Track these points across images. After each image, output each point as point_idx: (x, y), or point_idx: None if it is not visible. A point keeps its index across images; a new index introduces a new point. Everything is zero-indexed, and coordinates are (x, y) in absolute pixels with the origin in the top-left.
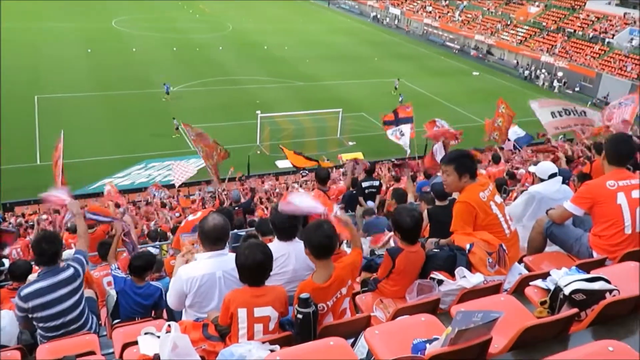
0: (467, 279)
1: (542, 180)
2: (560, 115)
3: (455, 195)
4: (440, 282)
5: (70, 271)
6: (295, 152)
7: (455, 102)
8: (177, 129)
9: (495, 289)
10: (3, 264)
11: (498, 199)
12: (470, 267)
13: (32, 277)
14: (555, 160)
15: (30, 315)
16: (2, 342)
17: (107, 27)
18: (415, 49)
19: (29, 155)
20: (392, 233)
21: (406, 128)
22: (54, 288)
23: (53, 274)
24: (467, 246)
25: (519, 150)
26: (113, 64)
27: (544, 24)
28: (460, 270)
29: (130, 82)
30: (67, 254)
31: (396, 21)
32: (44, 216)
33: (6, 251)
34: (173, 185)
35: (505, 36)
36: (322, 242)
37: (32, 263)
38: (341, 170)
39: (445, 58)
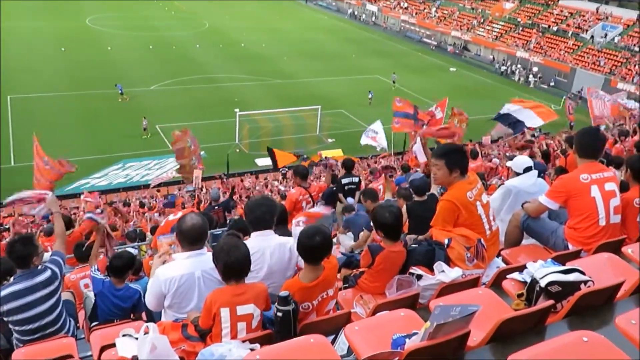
0: (446, 273)
1: (517, 174)
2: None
3: (433, 190)
4: (419, 277)
5: (48, 273)
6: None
7: (433, 98)
8: (146, 129)
9: (474, 283)
10: None
11: (485, 198)
12: (448, 261)
13: None
14: (531, 155)
15: (5, 319)
16: None
17: (81, 25)
18: (393, 45)
19: (4, 156)
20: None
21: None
22: (30, 291)
23: (29, 277)
24: (445, 241)
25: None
26: (88, 62)
27: (519, 19)
28: (438, 265)
29: (106, 81)
30: (46, 256)
31: (373, 18)
32: (21, 217)
33: None
34: (148, 186)
35: (481, 32)
36: (314, 249)
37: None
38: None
39: (423, 54)
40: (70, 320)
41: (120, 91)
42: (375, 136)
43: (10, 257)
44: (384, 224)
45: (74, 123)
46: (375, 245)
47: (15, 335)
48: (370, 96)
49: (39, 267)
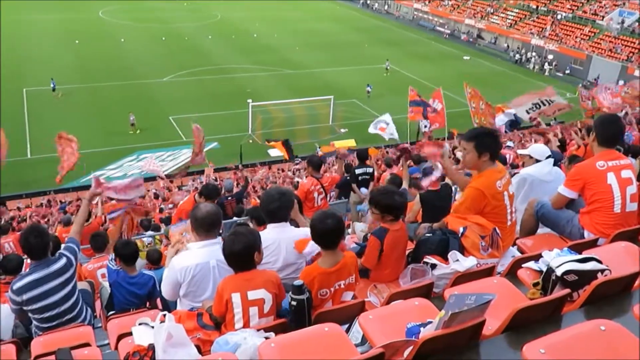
0: (460, 262)
1: (537, 161)
2: (534, 110)
3: (448, 180)
4: (433, 266)
5: (63, 261)
6: (283, 144)
7: (446, 86)
8: (133, 125)
9: (489, 272)
10: None
11: (511, 189)
12: (463, 250)
13: None
14: (546, 143)
15: (24, 308)
16: None
17: (94, 17)
18: (406, 34)
19: (20, 149)
20: None
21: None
22: (46, 280)
23: (45, 266)
24: (460, 230)
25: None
26: (102, 55)
27: (534, 6)
28: (453, 254)
29: (120, 73)
30: None
31: (386, 6)
32: (35, 209)
33: None
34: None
35: (496, 20)
36: (327, 232)
37: (25, 257)
38: (332, 158)
39: (436, 43)
40: (87, 309)
41: (52, 87)
42: (385, 127)
43: (24, 250)
44: (384, 205)
45: (88, 114)
46: (380, 228)
47: (34, 323)
48: (368, 89)
49: (54, 256)
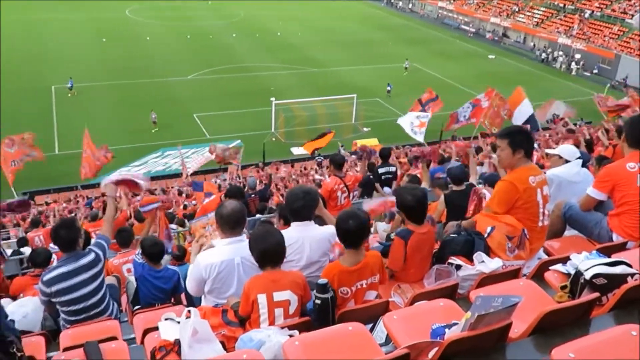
0: (486, 263)
1: (567, 161)
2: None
3: (472, 179)
4: (458, 267)
5: (92, 256)
6: (311, 140)
7: (471, 85)
8: (155, 122)
9: (514, 274)
10: (22, 252)
11: (546, 189)
12: (488, 251)
13: None
14: (575, 144)
15: (53, 300)
16: (27, 328)
17: (121, 16)
18: (430, 32)
19: (48, 145)
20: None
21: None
22: (75, 273)
23: (74, 259)
24: (488, 229)
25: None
26: (127, 53)
27: (561, 5)
28: (478, 255)
29: (145, 71)
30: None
31: (410, 5)
32: (64, 205)
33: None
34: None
35: (522, 18)
36: (349, 232)
37: (53, 251)
38: (354, 156)
39: (460, 41)
40: (113, 303)
41: (70, 86)
42: (424, 122)
43: (55, 242)
44: (407, 206)
45: (114, 112)
46: (404, 230)
47: (62, 316)
48: (388, 88)
49: (84, 250)
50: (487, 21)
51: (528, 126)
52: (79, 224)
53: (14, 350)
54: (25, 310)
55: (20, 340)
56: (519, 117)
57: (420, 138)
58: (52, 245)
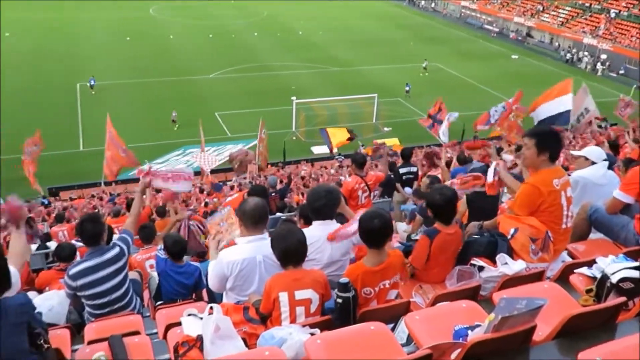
0: (509, 265)
1: (593, 163)
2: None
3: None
4: (481, 268)
5: (116, 250)
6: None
7: (493, 85)
8: (174, 121)
9: (538, 277)
10: (48, 247)
11: (569, 191)
12: (511, 253)
13: None
14: (599, 144)
15: (78, 293)
16: (52, 321)
17: (145, 15)
18: (452, 32)
19: (73, 141)
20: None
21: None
22: (100, 267)
23: (99, 254)
24: (511, 231)
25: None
26: (151, 51)
27: (587, 4)
28: (501, 257)
29: (168, 69)
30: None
31: (432, 4)
32: (87, 200)
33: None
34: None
35: (546, 18)
36: (372, 231)
37: (77, 245)
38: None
39: (483, 41)
40: (136, 298)
41: (91, 84)
42: (447, 124)
43: (80, 236)
44: (436, 205)
45: (137, 109)
46: (431, 229)
47: (86, 309)
48: (407, 88)
49: (108, 245)
50: (510, 21)
51: (552, 126)
52: (104, 219)
53: (41, 342)
54: (51, 303)
55: (47, 333)
56: (548, 109)
57: (445, 139)
58: (73, 240)
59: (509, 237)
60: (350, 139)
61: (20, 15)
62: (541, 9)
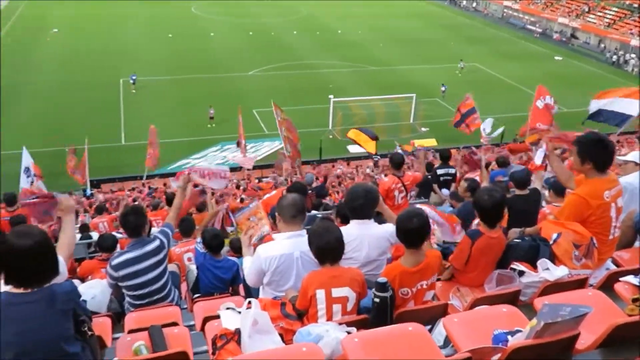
0: (551, 271)
1: None
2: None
3: (537, 184)
4: (521, 273)
5: (157, 243)
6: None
7: (534, 87)
8: (212, 118)
9: (580, 284)
10: (91, 237)
11: (620, 201)
12: (554, 259)
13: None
14: None
15: (120, 284)
16: (94, 309)
17: (187, 13)
18: (493, 32)
19: (115, 136)
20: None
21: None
22: (141, 259)
23: (141, 246)
24: (554, 236)
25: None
26: (192, 48)
27: (635, 5)
28: (543, 262)
29: (208, 66)
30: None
31: (474, 4)
32: (127, 192)
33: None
34: (240, 168)
35: (592, 19)
36: (411, 231)
37: (119, 236)
38: (412, 157)
39: (525, 42)
40: (175, 290)
41: (133, 80)
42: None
43: (124, 227)
44: (482, 207)
45: (177, 105)
46: (474, 230)
47: (127, 299)
48: (443, 89)
49: (149, 237)
50: (554, 21)
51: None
52: (145, 211)
53: (86, 329)
54: (94, 292)
55: (91, 320)
56: (615, 105)
57: (487, 131)
58: (114, 232)
59: (551, 242)
60: (375, 139)
61: (67, 12)
62: (587, 9)
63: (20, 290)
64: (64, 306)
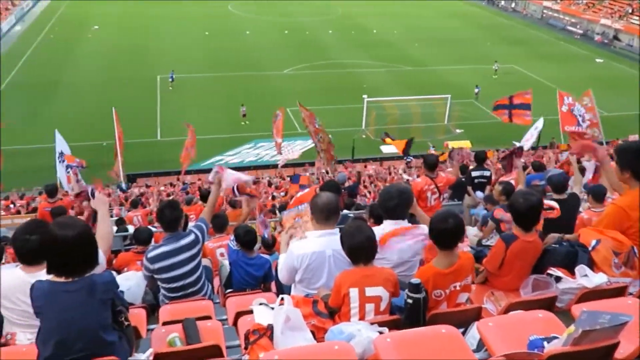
0: (589, 278)
1: None
2: None
3: (575, 189)
4: (558, 278)
5: (192, 237)
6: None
7: (576, 90)
8: (245, 115)
9: (620, 292)
10: (127, 230)
11: None
12: (592, 265)
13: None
14: None
15: (155, 276)
16: (130, 300)
17: (224, 11)
18: (532, 33)
19: (151, 132)
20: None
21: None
22: (176, 252)
23: (176, 239)
24: (593, 242)
25: None
26: (228, 46)
27: None
28: (581, 269)
29: (243, 64)
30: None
31: (512, 4)
32: (162, 187)
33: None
34: (276, 166)
35: (636, 20)
36: (446, 232)
37: (154, 230)
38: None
39: (565, 43)
40: (208, 284)
41: (171, 78)
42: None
43: (160, 222)
44: (517, 210)
45: (212, 103)
46: (509, 234)
47: (161, 292)
48: (477, 90)
49: (185, 231)
50: (596, 22)
51: None
52: (181, 206)
53: (123, 319)
54: (129, 283)
55: (127, 311)
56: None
57: (528, 145)
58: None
59: (590, 248)
60: (409, 142)
61: (107, 10)
62: (630, 10)
63: (62, 280)
64: (103, 296)
